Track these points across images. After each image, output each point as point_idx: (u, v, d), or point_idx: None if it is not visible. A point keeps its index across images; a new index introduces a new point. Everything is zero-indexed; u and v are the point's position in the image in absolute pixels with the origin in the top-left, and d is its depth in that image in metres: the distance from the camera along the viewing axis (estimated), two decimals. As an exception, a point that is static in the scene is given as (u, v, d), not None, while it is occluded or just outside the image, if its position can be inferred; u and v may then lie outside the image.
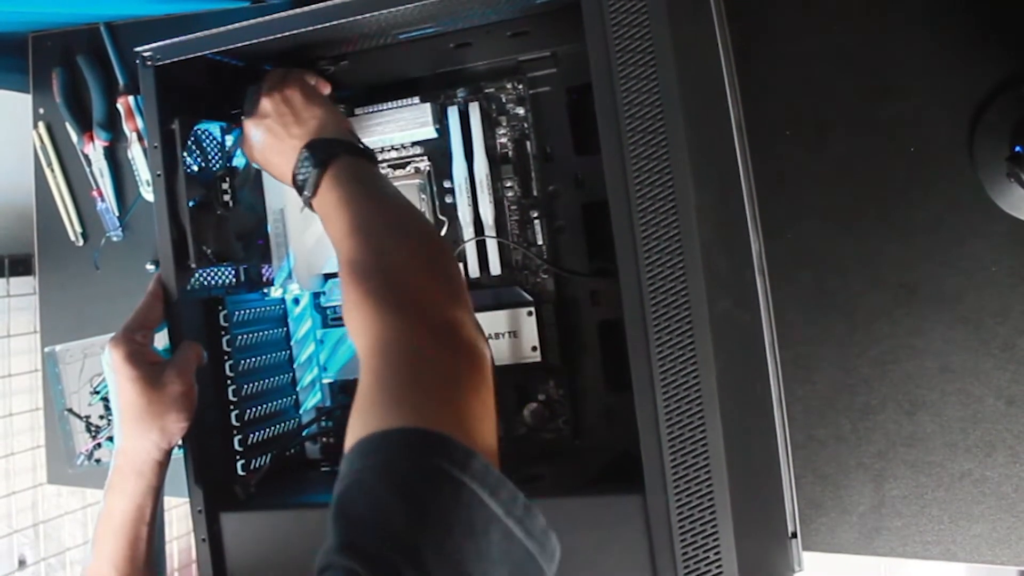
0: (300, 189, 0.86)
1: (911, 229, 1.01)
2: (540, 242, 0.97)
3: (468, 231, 0.97)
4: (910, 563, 1.03)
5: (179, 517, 1.51)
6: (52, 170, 1.45)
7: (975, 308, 0.99)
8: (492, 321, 0.98)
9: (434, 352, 0.67)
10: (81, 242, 1.45)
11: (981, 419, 0.99)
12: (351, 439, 0.62)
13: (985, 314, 0.98)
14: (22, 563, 1.69)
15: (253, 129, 0.93)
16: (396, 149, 1.02)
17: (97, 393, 1.41)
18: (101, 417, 1.41)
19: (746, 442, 0.82)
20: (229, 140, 1.03)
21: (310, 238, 1.03)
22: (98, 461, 1.41)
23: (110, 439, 1.41)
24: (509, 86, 0.97)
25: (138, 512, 0.87)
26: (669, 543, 0.73)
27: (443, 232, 1.01)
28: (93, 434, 1.42)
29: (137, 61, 0.94)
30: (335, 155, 0.85)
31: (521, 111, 0.97)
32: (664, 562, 0.73)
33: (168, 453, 0.89)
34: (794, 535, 0.93)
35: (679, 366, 0.73)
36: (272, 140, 0.91)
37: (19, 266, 1.64)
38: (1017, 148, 0.93)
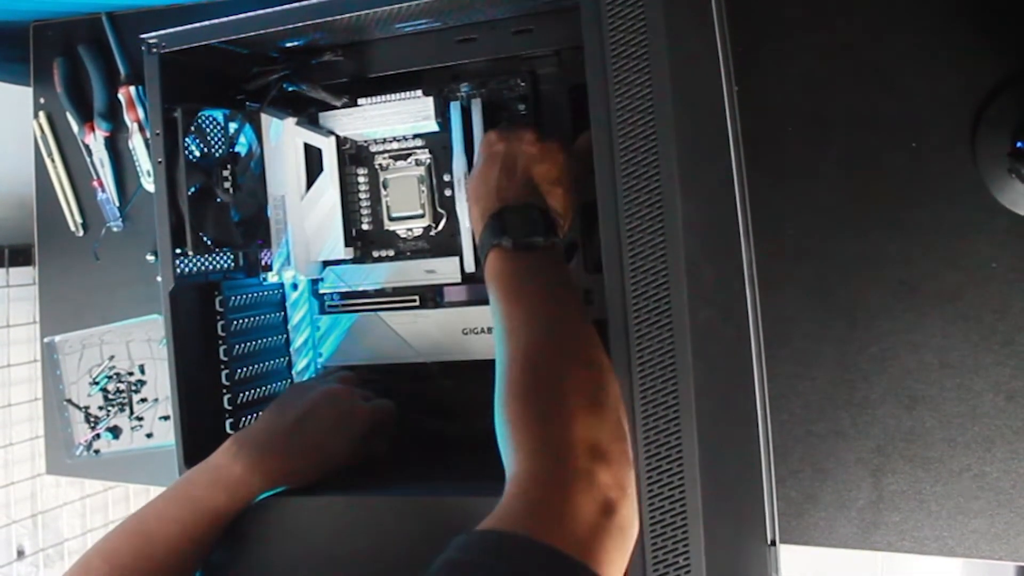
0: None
1: (912, 225, 1.01)
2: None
3: (465, 225, 0.97)
4: (908, 558, 1.04)
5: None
6: (52, 160, 1.45)
7: (975, 304, 0.99)
8: (485, 316, 0.99)
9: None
10: (81, 232, 1.45)
11: (980, 415, 0.99)
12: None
13: (985, 310, 0.99)
14: (20, 553, 1.69)
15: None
16: (397, 140, 1.02)
17: (96, 384, 1.42)
18: (100, 408, 1.42)
19: (724, 451, 0.82)
20: (232, 126, 1.03)
21: (309, 225, 1.03)
22: (97, 452, 1.42)
23: (109, 430, 1.41)
24: (512, 83, 0.97)
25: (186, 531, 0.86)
26: (640, 548, 0.73)
27: (441, 225, 1.01)
28: (92, 425, 1.42)
29: (143, 48, 0.94)
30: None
31: (523, 108, 0.97)
32: (635, 568, 0.73)
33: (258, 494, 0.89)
34: (773, 543, 0.93)
35: (658, 373, 0.73)
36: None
37: (19, 256, 1.63)
38: (1018, 144, 0.93)
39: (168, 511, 0.86)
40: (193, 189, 0.96)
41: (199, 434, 0.95)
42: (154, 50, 0.94)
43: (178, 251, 0.96)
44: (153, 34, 0.93)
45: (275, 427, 0.91)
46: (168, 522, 0.85)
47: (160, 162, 0.94)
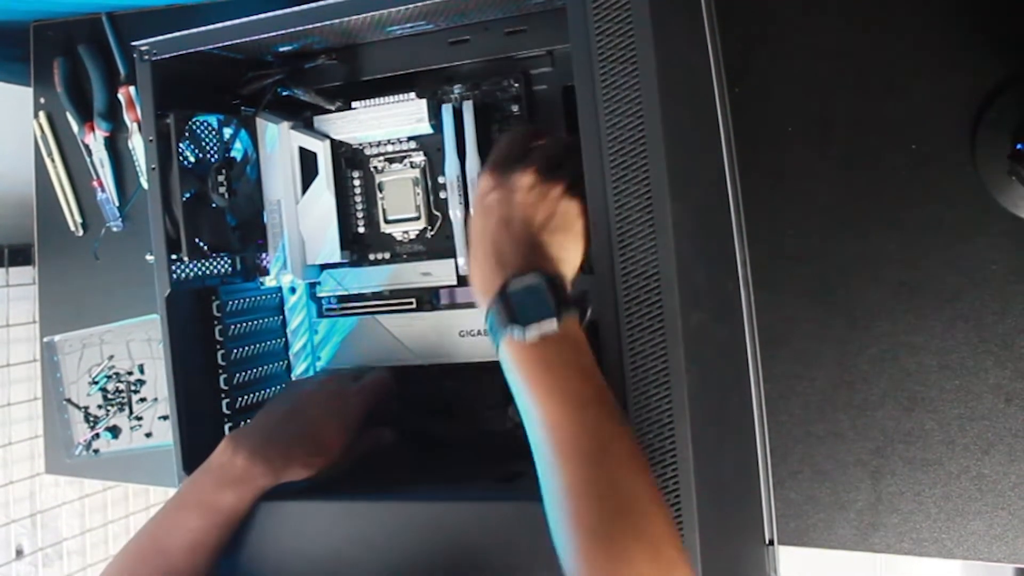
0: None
1: (912, 227, 1.01)
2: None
3: (459, 228, 0.97)
4: (906, 559, 1.03)
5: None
6: (52, 160, 1.45)
7: (975, 306, 0.99)
8: (481, 318, 0.97)
9: None
10: (81, 232, 1.45)
11: (979, 416, 0.99)
12: None
13: (985, 312, 0.98)
14: (19, 553, 1.70)
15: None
16: (392, 143, 1.02)
17: (96, 383, 1.42)
18: (100, 407, 1.42)
19: (719, 454, 0.82)
20: (227, 131, 1.03)
21: (305, 228, 1.03)
22: (96, 451, 1.42)
23: (108, 430, 1.41)
24: (505, 84, 0.97)
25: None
26: None
27: (436, 228, 1.01)
28: (91, 424, 1.42)
29: (134, 55, 0.94)
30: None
31: (516, 109, 0.97)
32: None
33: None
34: (771, 542, 0.93)
35: (651, 377, 0.73)
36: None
37: (19, 256, 1.64)
38: (1019, 146, 0.93)
39: (180, 521, 0.86)
40: (188, 195, 0.96)
41: (198, 439, 0.95)
42: (146, 57, 0.94)
43: (173, 257, 0.96)
44: (144, 41, 0.93)
45: (269, 420, 0.92)
46: (183, 532, 0.85)
47: (154, 168, 0.94)
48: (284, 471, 0.87)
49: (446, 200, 0.97)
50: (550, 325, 0.72)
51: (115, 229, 1.43)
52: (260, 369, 1.05)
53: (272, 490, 0.88)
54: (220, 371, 1.00)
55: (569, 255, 0.78)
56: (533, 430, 0.72)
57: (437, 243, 1.01)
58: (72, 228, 1.45)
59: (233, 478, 0.86)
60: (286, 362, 1.09)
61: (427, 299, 1.02)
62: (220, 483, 0.86)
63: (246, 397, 1.03)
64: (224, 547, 0.87)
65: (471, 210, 0.82)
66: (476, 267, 0.78)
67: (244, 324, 1.03)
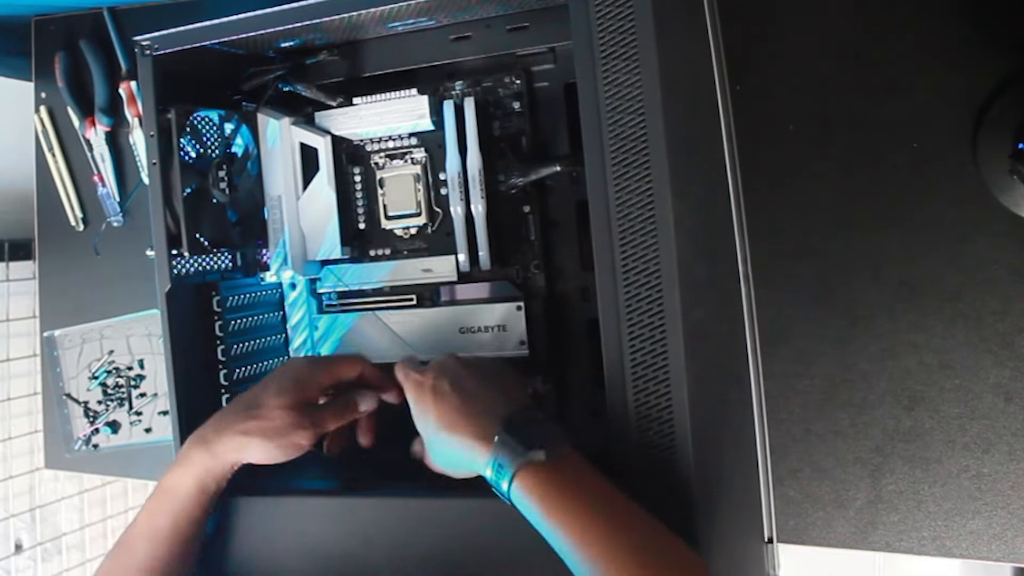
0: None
1: (913, 226, 1.01)
2: (532, 237, 0.97)
3: (460, 224, 0.97)
4: (905, 558, 1.04)
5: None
6: (53, 155, 1.45)
7: (975, 305, 0.99)
8: (481, 315, 0.98)
9: None
10: (81, 227, 1.45)
11: (979, 416, 0.99)
12: None
13: (985, 311, 0.98)
14: (18, 547, 1.70)
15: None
16: (393, 139, 1.02)
17: (95, 378, 1.42)
18: (99, 402, 1.42)
19: (718, 450, 0.82)
20: (228, 127, 1.03)
21: (306, 224, 1.03)
22: (95, 446, 1.42)
23: (108, 425, 1.41)
24: (507, 80, 0.97)
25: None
26: None
27: (437, 224, 1.01)
28: (91, 419, 1.42)
29: (136, 50, 0.94)
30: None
31: (518, 106, 0.97)
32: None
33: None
34: (771, 540, 0.93)
35: (651, 375, 0.74)
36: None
37: (19, 251, 1.64)
38: (1020, 145, 0.93)
39: (141, 513, 0.87)
40: (189, 190, 0.97)
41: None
42: (147, 52, 0.94)
43: (174, 252, 0.96)
44: (146, 36, 0.93)
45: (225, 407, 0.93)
46: (141, 522, 0.86)
47: (155, 163, 0.95)
48: (217, 443, 0.86)
49: (447, 196, 0.97)
50: (566, 445, 0.75)
51: (116, 224, 1.42)
52: (260, 365, 1.05)
53: (268, 484, 0.89)
54: (220, 366, 1.00)
55: (523, 394, 0.84)
56: (582, 551, 0.70)
57: (438, 239, 1.01)
58: (73, 223, 1.45)
59: (186, 462, 0.87)
60: (286, 358, 1.09)
61: (428, 295, 1.02)
62: (178, 468, 0.87)
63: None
64: (188, 529, 0.86)
65: (415, 394, 0.83)
66: (462, 424, 0.78)
67: (244, 320, 1.03)
